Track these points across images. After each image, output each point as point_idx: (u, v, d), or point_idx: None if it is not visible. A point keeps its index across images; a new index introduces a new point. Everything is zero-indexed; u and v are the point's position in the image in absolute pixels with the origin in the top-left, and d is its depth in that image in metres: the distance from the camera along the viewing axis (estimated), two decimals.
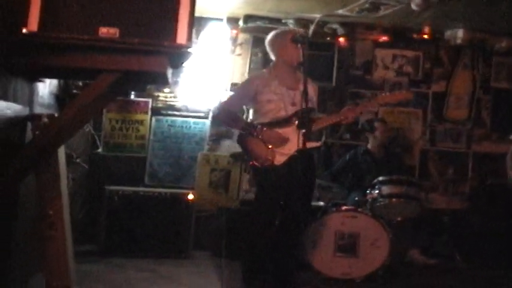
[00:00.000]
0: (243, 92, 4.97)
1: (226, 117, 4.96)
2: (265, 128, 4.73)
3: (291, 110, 4.77)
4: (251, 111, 5.04)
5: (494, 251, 6.62)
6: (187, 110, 6.94)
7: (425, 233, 6.54)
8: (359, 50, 7.35)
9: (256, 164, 4.74)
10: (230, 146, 6.80)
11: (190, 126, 6.93)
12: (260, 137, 4.71)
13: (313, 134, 4.75)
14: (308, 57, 4.61)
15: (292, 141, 4.68)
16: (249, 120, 5.39)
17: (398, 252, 5.89)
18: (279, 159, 4.70)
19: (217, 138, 6.95)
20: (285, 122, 4.75)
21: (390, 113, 7.33)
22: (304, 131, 4.13)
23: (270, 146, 4.70)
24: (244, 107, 5.13)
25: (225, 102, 5.00)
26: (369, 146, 6.56)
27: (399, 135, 7.33)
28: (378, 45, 7.36)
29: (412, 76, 7.42)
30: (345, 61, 7.31)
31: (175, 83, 6.80)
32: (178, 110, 6.94)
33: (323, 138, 6.64)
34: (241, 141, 4.87)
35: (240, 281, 4.97)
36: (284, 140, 4.71)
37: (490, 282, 5.94)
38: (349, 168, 6.57)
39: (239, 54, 7.07)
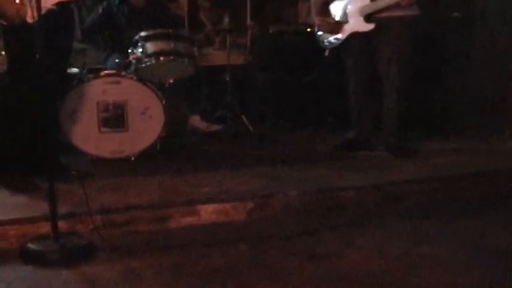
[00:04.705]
0: None
1: None
2: None
3: None
4: None
5: (284, 108, 6.56)
6: None
7: (204, 95, 6.32)
8: None
9: (3, 22, 4.14)
10: None
11: None
12: None
13: None
14: None
15: None
16: None
17: (176, 121, 5.67)
18: (32, 15, 4.06)
19: None
20: None
21: None
22: None
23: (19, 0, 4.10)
24: None
25: None
26: None
27: None
28: None
29: None
30: None
31: None
32: None
33: None
34: None
35: None
36: None
37: (280, 143, 5.86)
38: (103, 24, 5.99)
39: None
